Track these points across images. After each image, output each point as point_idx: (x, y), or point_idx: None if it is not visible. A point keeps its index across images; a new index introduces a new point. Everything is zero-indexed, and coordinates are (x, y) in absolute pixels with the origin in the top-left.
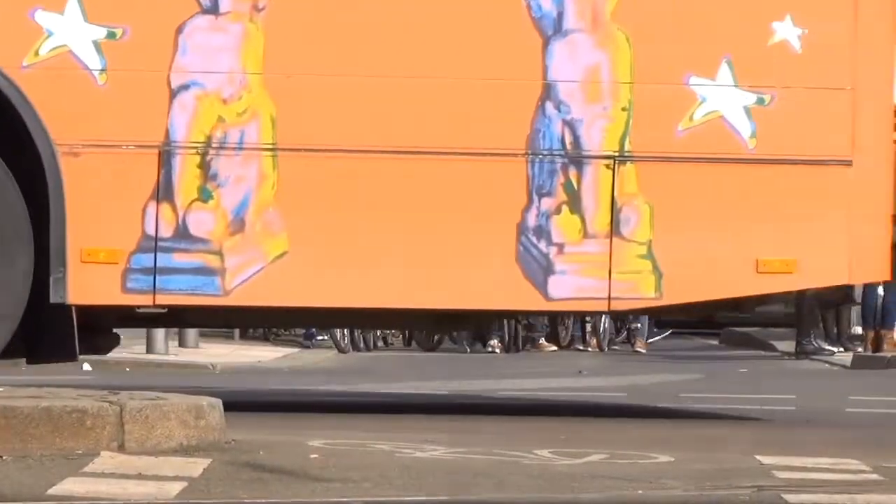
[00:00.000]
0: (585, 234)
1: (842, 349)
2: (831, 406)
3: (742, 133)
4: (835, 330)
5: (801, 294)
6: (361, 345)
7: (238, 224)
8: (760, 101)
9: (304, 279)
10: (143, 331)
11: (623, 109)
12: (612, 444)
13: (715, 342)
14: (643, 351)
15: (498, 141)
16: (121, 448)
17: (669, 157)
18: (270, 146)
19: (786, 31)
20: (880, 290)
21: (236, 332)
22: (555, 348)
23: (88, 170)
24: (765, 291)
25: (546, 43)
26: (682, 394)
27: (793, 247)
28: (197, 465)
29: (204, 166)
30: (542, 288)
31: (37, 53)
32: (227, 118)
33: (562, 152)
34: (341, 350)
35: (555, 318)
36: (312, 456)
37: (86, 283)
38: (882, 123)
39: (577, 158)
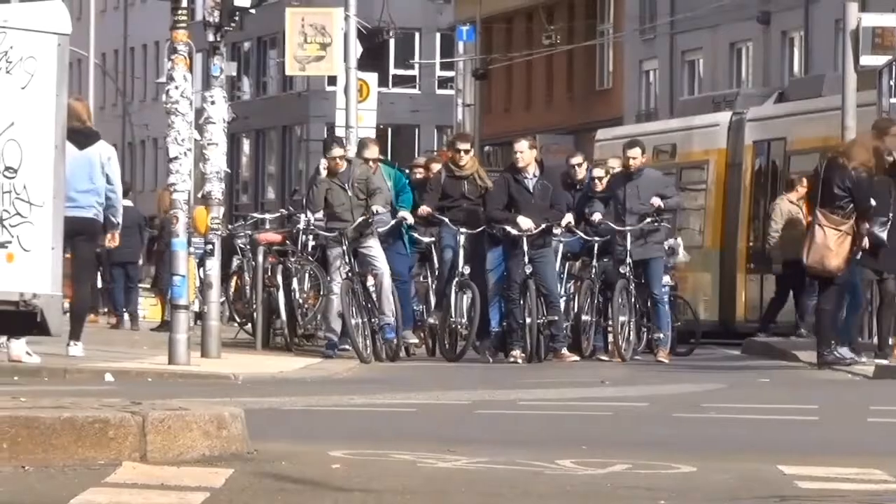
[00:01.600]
0: None
1: (874, 357)
2: (853, 416)
3: None
4: (868, 338)
5: (820, 305)
6: (384, 355)
7: None
8: None
9: None
10: (165, 341)
11: None
12: (635, 454)
13: (737, 352)
14: (666, 361)
15: None
16: (143, 458)
17: None
18: None
19: None
20: None
21: (258, 342)
22: (577, 358)
23: None
24: None
25: None
26: (704, 403)
27: None
28: (219, 476)
29: None
30: None
31: None
32: None
33: None
34: (364, 360)
35: (577, 328)
36: (335, 466)
37: None
38: None
39: None
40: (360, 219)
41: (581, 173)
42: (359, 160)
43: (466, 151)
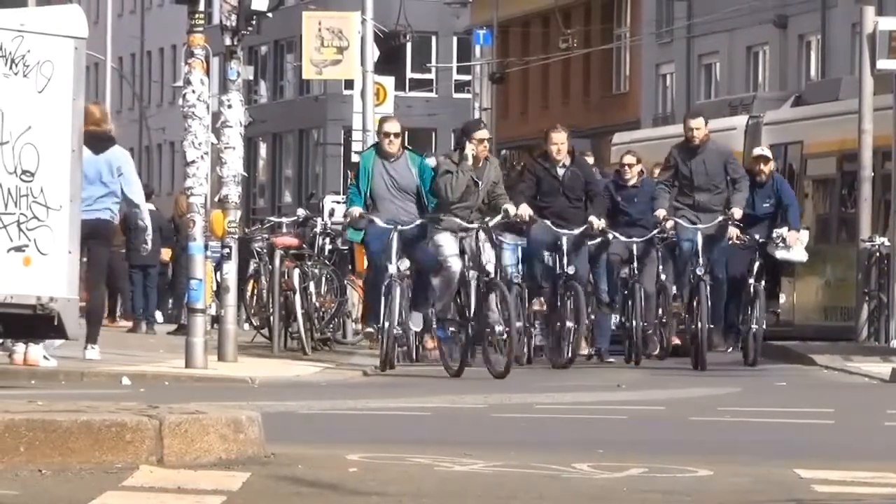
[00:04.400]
0: None
1: None
2: (870, 420)
3: None
4: (886, 342)
5: None
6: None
7: None
8: None
9: None
10: (181, 344)
11: None
12: (651, 457)
13: None
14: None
15: None
16: (160, 462)
17: None
18: None
19: None
20: None
21: (275, 345)
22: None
23: None
24: None
25: None
26: (720, 407)
27: None
28: (236, 479)
29: None
30: None
31: None
32: None
33: None
34: (451, 372)
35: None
36: (351, 469)
37: None
38: None
39: None
40: (497, 217)
41: (632, 175)
42: (496, 159)
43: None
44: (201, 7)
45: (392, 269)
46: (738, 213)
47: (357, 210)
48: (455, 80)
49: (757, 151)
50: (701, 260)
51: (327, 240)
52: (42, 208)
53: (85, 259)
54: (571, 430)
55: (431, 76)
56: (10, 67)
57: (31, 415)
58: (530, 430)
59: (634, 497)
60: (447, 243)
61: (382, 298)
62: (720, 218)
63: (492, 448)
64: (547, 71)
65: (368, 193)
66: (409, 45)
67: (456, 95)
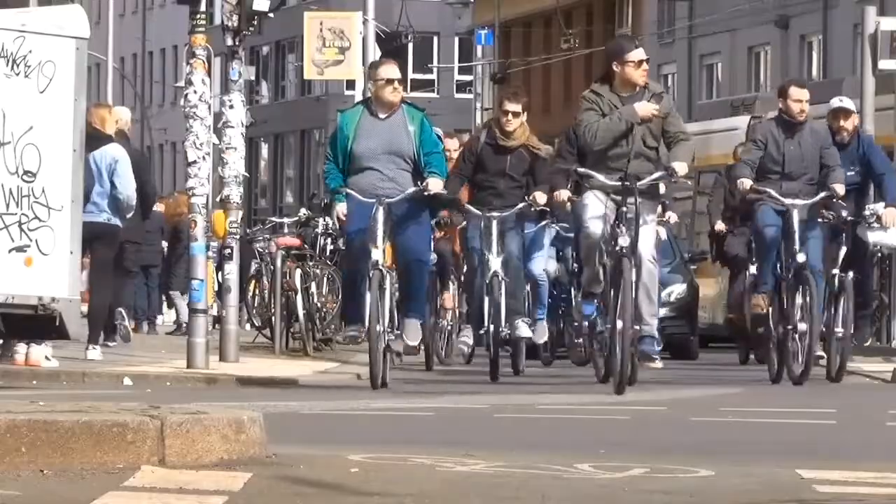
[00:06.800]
0: None
1: None
2: (872, 420)
3: None
4: (887, 342)
5: None
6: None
7: None
8: None
9: None
10: (183, 345)
11: None
12: (653, 457)
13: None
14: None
15: None
16: (161, 462)
17: None
18: None
19: None
20: None
21: (276, 345)
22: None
23: None
24: None
25: None
26: (722, 407)
27: None
28: (237, 480)
29: None
30: None
31: None
32: None
33: None
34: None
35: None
36: (353, 470)
37: None
38: None
39: None
40: (657, 173)
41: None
42: (657, 85)
43: (516, 115)
44: (203, 7)
45: (376, 254)
46: (840, 188)
47: (342, 209)
48: (457, 81)
49: (835, 103)
50: (798, 245)
51: (329, 240)
52: (43, 209)
53: (87, 260)
54: (573, 430)
55: (433, 76)
56: (12, 68)
57: (33, 415)
58: (533, 431)
59: (636, 497)
60: (592, 204)
61: (367, 293)
62: (823, 194)
63: (494, 448)
64: (549, 71)
65: (349, 163)
66: (410, 46)
67: (457, 96)
